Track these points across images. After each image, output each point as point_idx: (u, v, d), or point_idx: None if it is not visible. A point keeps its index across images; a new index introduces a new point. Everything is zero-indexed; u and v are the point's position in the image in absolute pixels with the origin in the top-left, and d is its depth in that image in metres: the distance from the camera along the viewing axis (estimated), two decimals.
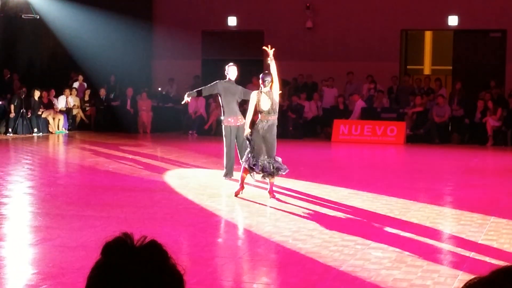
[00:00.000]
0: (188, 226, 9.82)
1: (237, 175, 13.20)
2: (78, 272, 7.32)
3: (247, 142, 12.17)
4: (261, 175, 12.03)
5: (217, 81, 13.98)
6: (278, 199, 11.94)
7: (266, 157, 11.91)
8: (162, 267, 1.88)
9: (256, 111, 12.17)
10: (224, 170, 13.96)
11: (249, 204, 11.70)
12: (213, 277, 7.32)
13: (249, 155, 11.98)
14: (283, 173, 12.18)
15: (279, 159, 12.11)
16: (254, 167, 11.90)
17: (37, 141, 22.39)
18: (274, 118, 12.13)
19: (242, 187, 12.23)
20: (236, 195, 12.12)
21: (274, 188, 12.24)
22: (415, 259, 8.17)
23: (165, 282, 1.86)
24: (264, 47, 12.86)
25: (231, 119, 13.67)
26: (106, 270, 1.86)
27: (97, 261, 1.89)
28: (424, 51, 30.03)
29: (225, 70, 14.09)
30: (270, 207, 11.49)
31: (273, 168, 11.93)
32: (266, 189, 12.24)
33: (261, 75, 12.29)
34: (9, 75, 25.38)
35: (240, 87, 13.94)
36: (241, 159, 12.53)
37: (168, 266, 1.89)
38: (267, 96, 12.06)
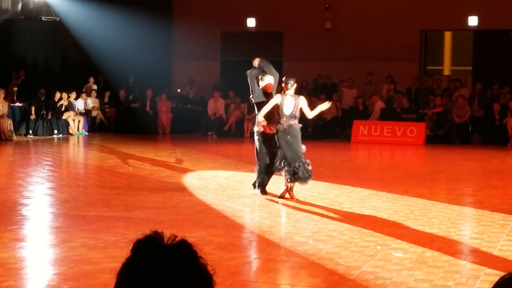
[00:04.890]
0: (208, 227, 9.81)
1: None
2: (99, 273, 7.34)
3: (278, 148, 12.06)
4: (292, 179, 11.96)
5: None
6: (297, 200, 11.93)
7: (298, 161, 11.85)
8: (191, 267, 1.87)
9: (277, 114, 12.10)
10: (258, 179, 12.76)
11: (269, 204, 11.69)
12: (234, 278, 7.31)
13: (279, 161, 11.95)
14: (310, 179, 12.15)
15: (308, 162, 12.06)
16: (284, 173, 11.88)
17: (57, 143, 22.49)
18: (295, 123, 12.07)
19: (287, 189, 12.16)
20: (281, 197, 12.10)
21: (294, 189, 12.21)
22: (437, 260, 8.12)
23: (195, 281, 1.86)
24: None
25: (265, 126, 12.37)
26: (136, 268, 1.86)
27: (127, 259, 1.90)
28: (444, 52, 29.91)
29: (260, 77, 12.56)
30: (291, 208, 11.47)
31: (306, 173, 11.88)
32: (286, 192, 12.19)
33: (283, 78, 12.25)
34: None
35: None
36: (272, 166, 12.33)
37: (198, 266, 1.89)
38: (294, 100, 12.01)
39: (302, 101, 12.12)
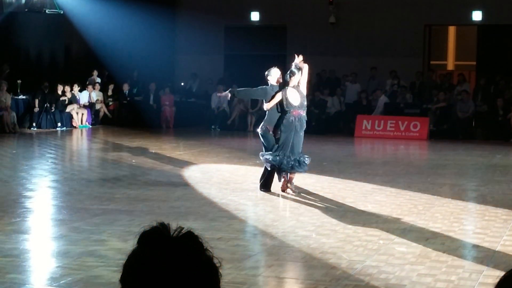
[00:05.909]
0: (211, 221, 9.82)
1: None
2: (102, 266, 7.35)
3: (264, 136, 12.04)
4: (278, 170, 11.95)
5: (265, 86, 12.34)
6: (299, 192, 11.92)
7: (288, 153, 11.80)
8: (198, 259, 1.86)
9: (282, 108, 12.00)
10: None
11: (272, 198, 11.69)
12: (237, 271, 7.32)
13: (271, 151, 11.89)
14: (300, 171, 12.08)
15: (302, 157, 11.98)
16: (273, 164, 11.83)
17: (61, 136, 22.50)
18: (304, 113, 12.02)
19: (284, 180, 12.13)
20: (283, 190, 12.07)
21: (297, 184, 12.19)
22: (440, 254, 8.12)
23: (201, 274, 1.85)
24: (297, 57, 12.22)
25: (270, 127, 12.22)
26: (142, 260, 1.86)
27: (133, 250, 1.89)
28: (447, 47, 29.85)
29: (266, 74, 12.39)
30: (294, 201, 11.47)
31: (289, 165, 11.82)
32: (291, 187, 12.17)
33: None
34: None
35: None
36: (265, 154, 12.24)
37: (204, 258, 1.88)
38: (296, 90, 11.95)
39: (302, 88, 12.07)
